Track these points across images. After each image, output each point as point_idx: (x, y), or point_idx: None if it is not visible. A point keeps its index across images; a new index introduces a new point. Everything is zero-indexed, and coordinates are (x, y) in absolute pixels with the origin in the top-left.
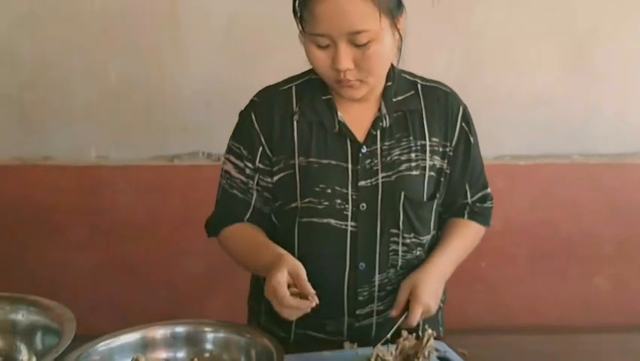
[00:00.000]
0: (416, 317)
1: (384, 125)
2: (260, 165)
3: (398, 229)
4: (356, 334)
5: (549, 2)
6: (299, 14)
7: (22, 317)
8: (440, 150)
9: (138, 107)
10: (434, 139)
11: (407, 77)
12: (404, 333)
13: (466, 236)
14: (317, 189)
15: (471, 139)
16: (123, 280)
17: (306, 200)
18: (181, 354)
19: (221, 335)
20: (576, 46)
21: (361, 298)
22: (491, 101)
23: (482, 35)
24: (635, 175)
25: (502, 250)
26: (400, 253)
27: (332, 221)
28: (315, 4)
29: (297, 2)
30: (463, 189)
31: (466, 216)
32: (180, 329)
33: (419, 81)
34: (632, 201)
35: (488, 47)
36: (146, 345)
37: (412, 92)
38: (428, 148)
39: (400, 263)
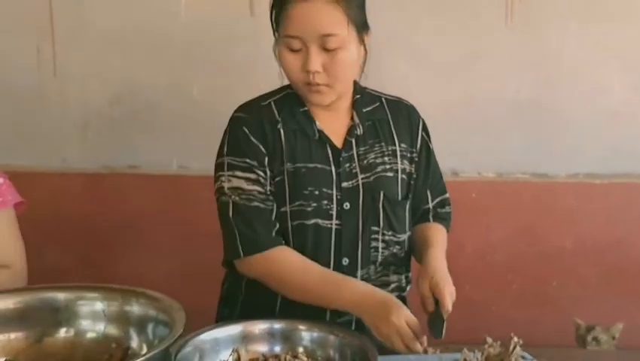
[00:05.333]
0: (448, 302)
1: (358, 132)
2: (270, 173)
3: (378, 226)
4: None
5: (621, 25)
6: (274, 17)
7: (133, 308)
8: (408, 155)
9: (219, 120)
10: (403, 145)
11: (371, 92)
12: (489, 340)
13: (440, 234)
14: (306, 192)
15: (431, 147)
16: (197, 287)
17: (296, 203)
18: (277, 348)
19: (315, 333)
20: None
21: None
22: (563, 121)
23: (554, 58)
24: None
25: (574, 270)
26: (380, 249)
27: (319, 221)
28: (290, 7)
29: (273, 5)
30: (425, 194)
31: (431, 220)
32: (277, 326)
33: (383, 95)
34: None
35: (560, 69)
36: (245, 338)
37: (378, 103)
38: (398, 153)
39: (379, 260)
